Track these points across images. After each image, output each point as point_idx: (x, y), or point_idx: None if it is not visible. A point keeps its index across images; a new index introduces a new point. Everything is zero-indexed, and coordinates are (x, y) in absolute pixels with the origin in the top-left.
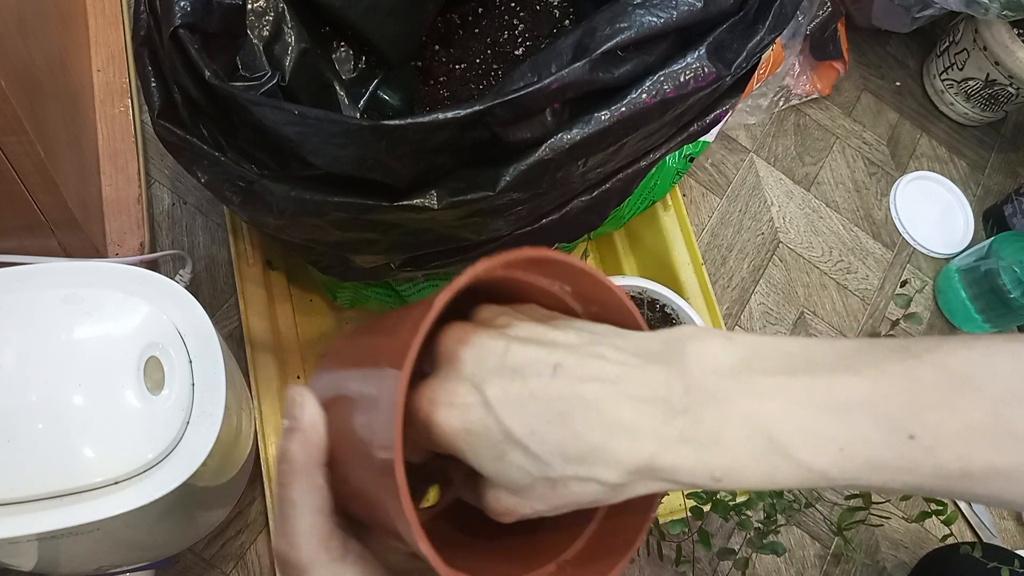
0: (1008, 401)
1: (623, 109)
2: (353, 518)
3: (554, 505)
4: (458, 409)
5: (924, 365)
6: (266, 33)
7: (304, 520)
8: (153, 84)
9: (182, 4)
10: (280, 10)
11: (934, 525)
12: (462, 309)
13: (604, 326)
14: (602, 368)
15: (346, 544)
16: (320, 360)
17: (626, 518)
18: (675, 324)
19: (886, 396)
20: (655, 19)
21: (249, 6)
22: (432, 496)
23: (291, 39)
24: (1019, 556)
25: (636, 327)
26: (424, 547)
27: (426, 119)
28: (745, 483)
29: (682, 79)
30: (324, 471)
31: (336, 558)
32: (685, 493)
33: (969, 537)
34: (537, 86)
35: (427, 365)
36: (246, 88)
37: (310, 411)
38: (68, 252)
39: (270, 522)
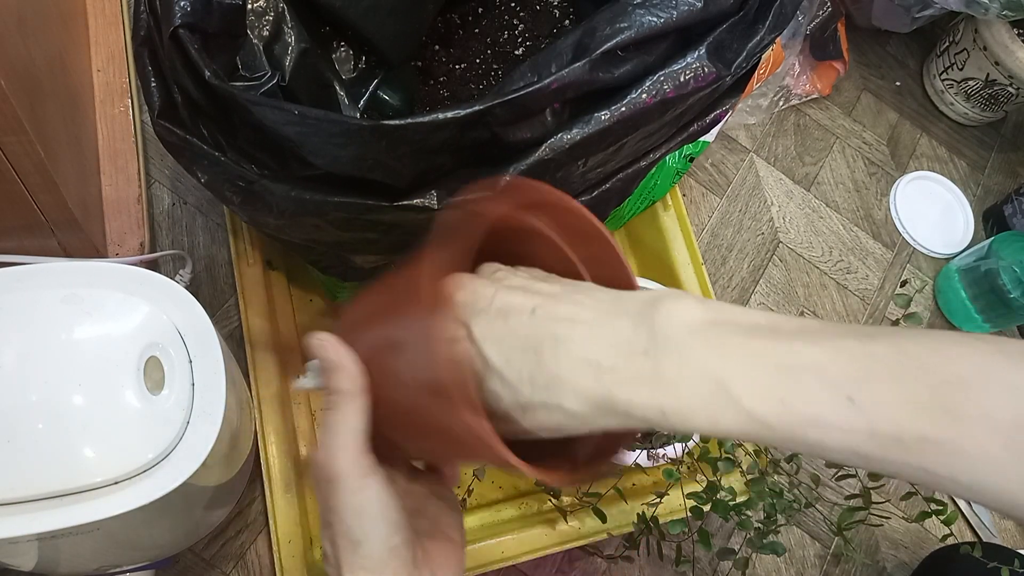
0: (952, 383)
1: (623, 109)
2: (381, 446)
3: (525, 429)
4: (448, 344)
5: (880, 344)
6: (266, 33)
7: (343, 438)
8: (153, 84)
9: (182, 4)
10: (280, 10)
11: (934, 525)
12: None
13: (591, 284)
14: (576, 312)
15: (374, 464)
16: (338, 325)
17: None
18: None
19: (835, 364)
20: (655, 19)
21: (249, 6)
22: None
23: (291, 39)
24: (1019, 556)
25: (630, 287)
26: (499, 447)
27: (426, 119)
28: (691, 423)
29: (682, 79)
30: (366, 399)
31: (364, 474)
32: (685, 493)
33: (969, 537)
34: (537, 86)
35: None
36: (246, 88)
37: (343, 351)
38: (68, 252)
39: (270, 524)
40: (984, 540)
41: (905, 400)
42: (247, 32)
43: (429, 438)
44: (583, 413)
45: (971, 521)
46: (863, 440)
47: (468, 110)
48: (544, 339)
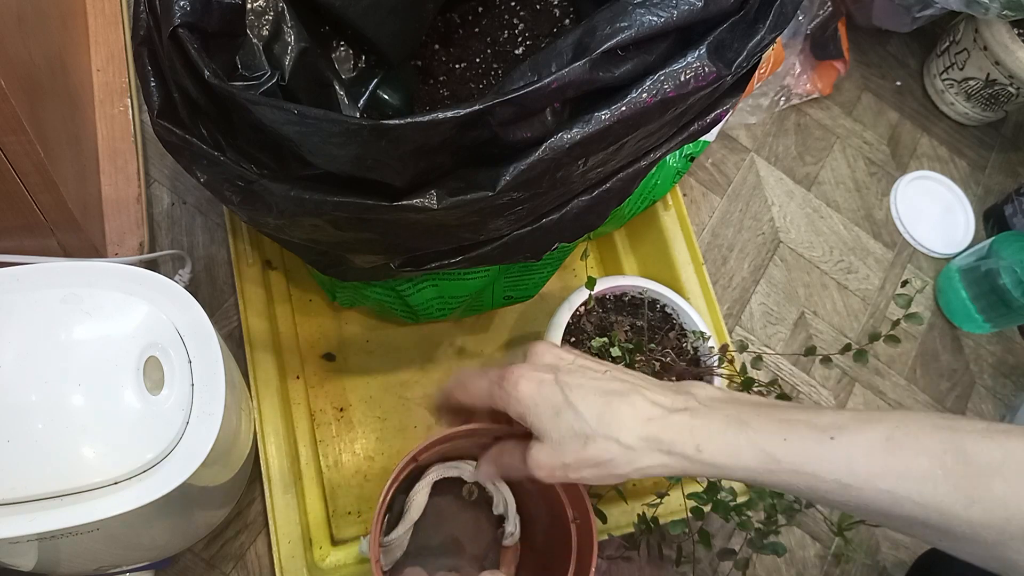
0: (895, 437)
1: (623, 108)
2: None
3: (580, 459)
4: (536, 383)
5: (847, 413)
6: (265, 32)
7: None
8: (152, 84)
9: (181, 4)
10: (280, 9)
11: None
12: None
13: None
14: (637, 379)
15: None
16: None
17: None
18: (675, 323)
19: (819, 417)
20: (655, 18)
21: (249, 5)
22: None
23: (291, 38)
24: None
25: None
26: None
27: (426, 119)
28: (717, 459)
29: (682, 78)
30: None
31: None
32: (686, 494)
33: None
34: (537, 85)
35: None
36: (245, 88)
37: None
38: (67, 252)
39: (269, 524)
40: None
41: (869, 441)
42: (247, 32)
43: None
44: (634, 447)
45: None
46: (844, 472)
47: (468, 110)
48: (613, 391)
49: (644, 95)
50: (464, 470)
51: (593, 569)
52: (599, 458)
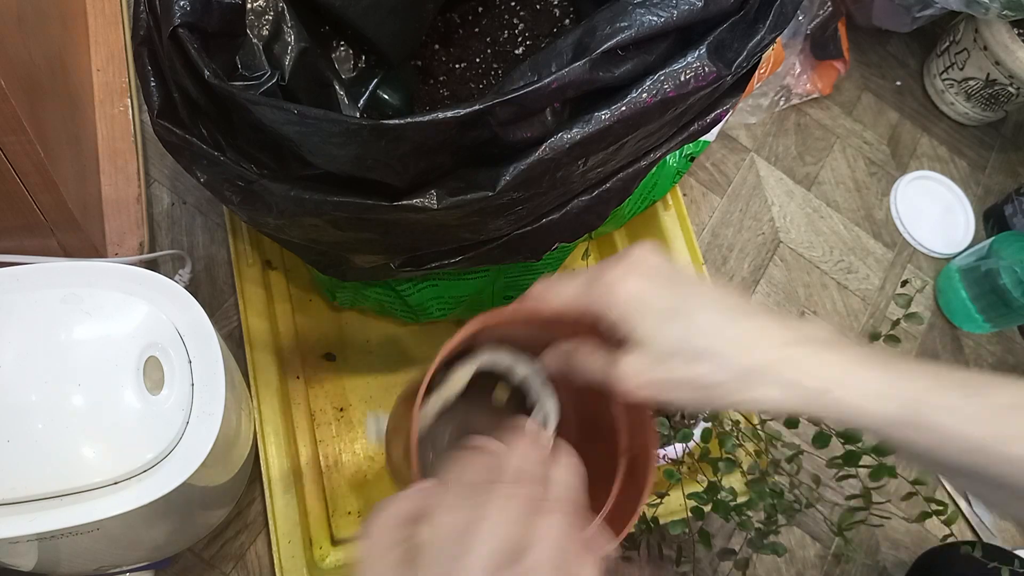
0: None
1: (623, 108)
2: None
3: (683, 377)
4: (646, 280)
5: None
6: (265, 32)
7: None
8: (152, 84)
9: (181, 3)
10: (280, 9)
11: (934, 525)
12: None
13: None
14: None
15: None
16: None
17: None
18: None
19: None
20: (655, 18)
21: (249, 5)
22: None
23: (291, 38)
24: (1019, 556)
25: None
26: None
27: (426, 118)
28: (852, 397)
29: (682, 78)
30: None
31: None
32: (686, 493)
33: (969, 537)
34: (537, 85)
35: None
36: (245, 87)
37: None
38: (67, 252)
39: (269, 524)
40: (984, 540)
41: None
42: (247, 31)
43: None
44: (752, 373)
45: (971, 521)
46: (991, 434)
47: (468, 109)
48: (737, 307)
49: (644, 95)
50: (516, 365)
51: (636, 516)
52: (707, 379)
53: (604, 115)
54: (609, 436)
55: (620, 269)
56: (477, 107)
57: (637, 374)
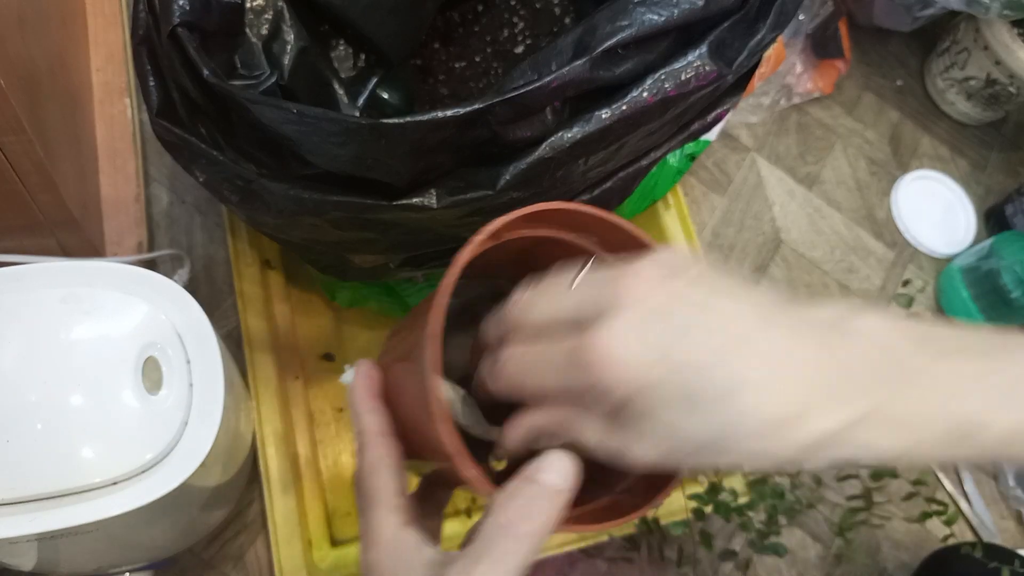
0: None
1: (624, 108)
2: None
3: (718, 464)
4: (656, 332)
5: None
6: (265, 31)
7: (381, 478)
8: (151, 83)
9: (181, 3)
10: (279, 8)
11: (935, 525)
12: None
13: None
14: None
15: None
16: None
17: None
18: None
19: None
20: (656, 17)
21: (248, 4)
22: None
23: (290, 37)
24: (1019, 556)
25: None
26: (459, 459)
27: (425, 118)
28: (892, 440)
29: (683, 77)
30: (392, 438)
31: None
32: (687, 495)
33: (970, 537)
34: (537, 84)
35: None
36: (245, 87)
37: (368, 403)
38: (67, 252)
39: (269, 525)
40: (985, 540)
41: None
42: (246, 31)
43: (425, 454)
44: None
45: (972, 521)
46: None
47: (468, 109)
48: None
49: (645, 94)
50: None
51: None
52: (754, 462)
53: (604, 114)
54: None
55: (620, 320)
56: (477, 106)
57: (659, 461)
